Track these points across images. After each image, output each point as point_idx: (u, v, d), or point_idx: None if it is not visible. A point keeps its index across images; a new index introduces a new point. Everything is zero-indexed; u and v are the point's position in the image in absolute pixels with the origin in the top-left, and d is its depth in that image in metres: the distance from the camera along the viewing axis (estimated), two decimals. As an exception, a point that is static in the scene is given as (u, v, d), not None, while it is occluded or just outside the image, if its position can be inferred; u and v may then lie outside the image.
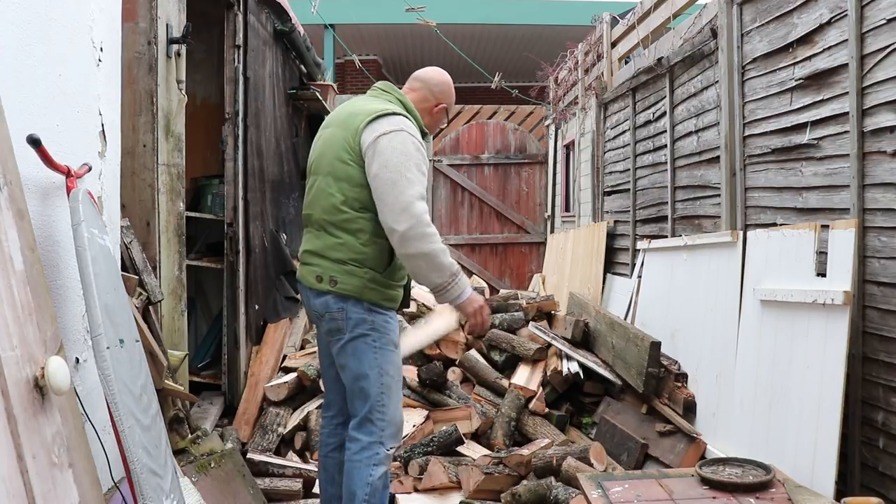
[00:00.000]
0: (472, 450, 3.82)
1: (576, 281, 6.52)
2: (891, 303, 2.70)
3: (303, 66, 6.23)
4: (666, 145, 4.96)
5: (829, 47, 3.09)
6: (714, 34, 4.16)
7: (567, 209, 8.54)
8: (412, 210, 2.39)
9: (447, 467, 3.44)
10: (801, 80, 3.28)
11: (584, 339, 4.63)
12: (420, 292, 5.16)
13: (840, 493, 2.65)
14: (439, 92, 2.77)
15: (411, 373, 4.29)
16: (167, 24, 3.27)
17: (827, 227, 2.91)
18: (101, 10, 2.40)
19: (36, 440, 1.54)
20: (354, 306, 2.51)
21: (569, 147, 8.42)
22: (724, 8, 4.00)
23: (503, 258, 9.94)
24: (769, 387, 3.09)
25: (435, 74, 2.80)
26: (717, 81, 4.18)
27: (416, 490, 3.45)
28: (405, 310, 3.25)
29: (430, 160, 8.72)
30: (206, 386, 4.39)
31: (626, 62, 6.38)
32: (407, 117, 2.57)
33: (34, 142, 1.85)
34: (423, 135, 2.67)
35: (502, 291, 6.60)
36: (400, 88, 2.78)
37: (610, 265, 6.07)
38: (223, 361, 4.31)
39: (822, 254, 2.91)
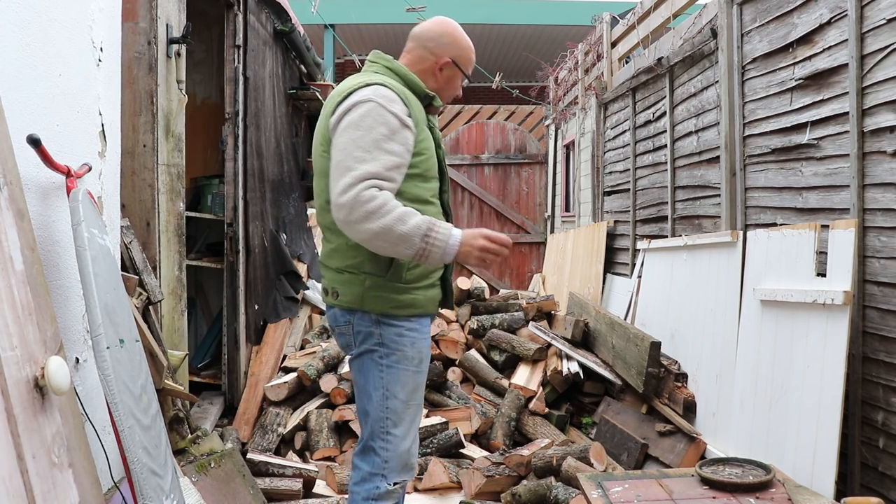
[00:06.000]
0: (472, 451, 3.82)
1: (576, 281, 6.52)
2: (891, 303, 2.70)
3: (303, 66, 6.22)
4: (666, 145, 4.96)
5: (829, 47, 3.09)
6: (714, 34, 4.16)
7: (567, 209, 8.54)
8: (349, 192, 1.93)
9: (447, 467, 3.44)
10: (801, 80, 3.28)
11: (584, 339, 4.63)
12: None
13: (840, 493, 2.66)
14: (437, 46, 2.23)
15: (411, 373, 4.28)
16: (167, 24, 3.27)
17: (827, 227, 2.91)
18: (101, 10, 2.40)
19: (36, 440, 1.54)
20: (361, 318, 2.16)
21: (569, 147, 8.42)
22: (724, 8, 4.00)
23: (503, 258, 9.94)
24: (769, 387, 3.09)
25: (430, 26, 2.25)
26: (717, 81, 4.18)
27: (416, 490, 3.46)
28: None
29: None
30: (206, 386, 4.39)
31: (626, 62, 6.38)
32: (386, 85, 2.08)
33: (34, 142, 1.85)
34: (430, 103, 2.22)
35: (502, 291, 6.60)
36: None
37: (610, 265, 6.07)
38: (223, 361, 4.31)
39: (822, 254, 2.91)
